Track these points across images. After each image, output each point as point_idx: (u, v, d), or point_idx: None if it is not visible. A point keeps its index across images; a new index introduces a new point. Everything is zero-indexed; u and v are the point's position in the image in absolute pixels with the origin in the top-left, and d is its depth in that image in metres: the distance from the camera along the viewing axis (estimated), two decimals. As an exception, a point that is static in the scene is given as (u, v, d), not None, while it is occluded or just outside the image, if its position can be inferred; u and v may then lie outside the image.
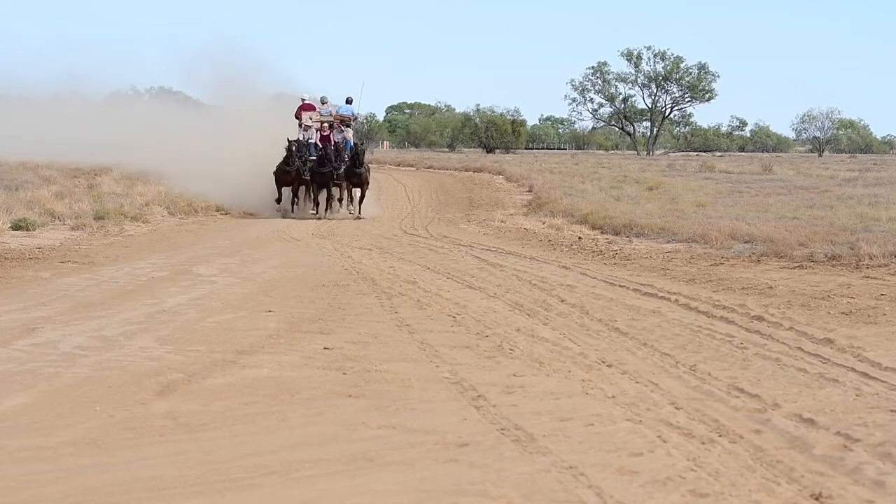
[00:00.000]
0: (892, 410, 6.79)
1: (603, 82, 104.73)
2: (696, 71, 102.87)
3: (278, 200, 26.95)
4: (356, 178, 26.87)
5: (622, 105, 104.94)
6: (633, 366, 8.33)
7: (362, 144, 27.72)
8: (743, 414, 6.74)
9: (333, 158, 26.28)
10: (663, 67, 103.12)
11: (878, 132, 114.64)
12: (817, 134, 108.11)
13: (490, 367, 8.30)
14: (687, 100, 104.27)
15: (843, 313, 10.76)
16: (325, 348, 9.05)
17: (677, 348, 9.06)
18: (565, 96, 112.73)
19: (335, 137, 27.53)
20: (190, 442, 6.16)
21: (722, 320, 10.55)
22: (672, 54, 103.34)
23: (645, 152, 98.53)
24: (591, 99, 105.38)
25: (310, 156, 26.57)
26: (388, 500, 5.17)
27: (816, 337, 9.45)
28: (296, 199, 27.15)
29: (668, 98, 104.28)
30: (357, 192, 27.17)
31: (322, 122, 27.72)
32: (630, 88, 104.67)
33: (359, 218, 26.28)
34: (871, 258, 14.54)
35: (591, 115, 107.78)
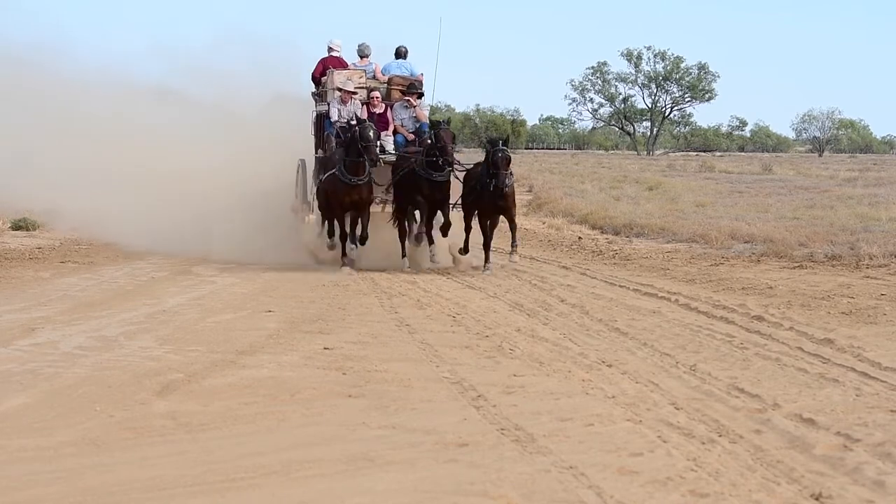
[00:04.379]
0: (892, 410, 6.79)
1: (603, 82, 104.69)
2: (696, 71, 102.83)
3: (332, 237, 15.59)
4: (500, 199, 15.12)
5: (622, 105, 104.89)
6: (633, 366, 8.32)
7: (507, 137, 15.92)
8: (743, 414, 6.74)
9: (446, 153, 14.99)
10: (663, 67, 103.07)
11: (878, 132, 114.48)
12: (817, 134, 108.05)
13: (490, 367, 8.30)
14: (687, 100, 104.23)
15: (843, 313, 10.76)
16: (325, 348, 9.04)
17: (677, 348, 9.06)
18: (565, 96, 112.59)
19: (398, 117, 16.17)
20: (190, 442, 6.16)
21: (722, 320, 10.54)
22: (672, 54, 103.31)
23: (645, 152, 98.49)
24: (591, 99, 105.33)
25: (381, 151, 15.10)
26: (388, 500, 5.17)
27: (816, 337, 9.44)
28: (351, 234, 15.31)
29: (668, 98, 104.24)
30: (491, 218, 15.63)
31: (371, 91, 16.20)
32: (630, 88, 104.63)
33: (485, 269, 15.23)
34: (871, 258, 14.55)
35: (591, 115, 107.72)
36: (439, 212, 15.43)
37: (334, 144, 15.44)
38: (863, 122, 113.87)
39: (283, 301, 11.98)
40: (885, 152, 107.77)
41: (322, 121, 16.40)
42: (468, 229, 15.53)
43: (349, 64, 16.81)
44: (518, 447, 5.97)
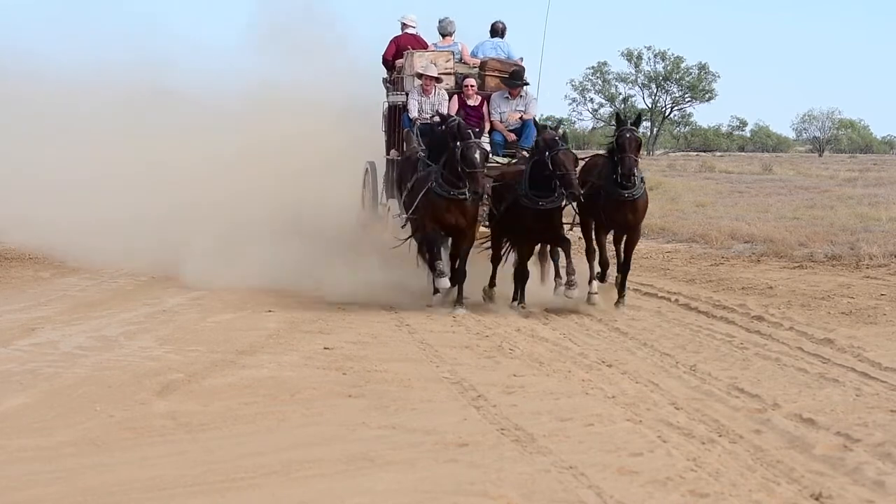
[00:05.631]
0: (892, 410, 6.79)
1: (603, 82, 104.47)
2: (697, 71, 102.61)
3: (432, 265, 11.53)
4: (630, 210, 11.72)
5: (622, 105, 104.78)
6: (633, 366, 8.32)
7: (639, 116, 12.80)
8: (743, 414, 6.74)
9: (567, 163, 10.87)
10: (663, 67, 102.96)
11: (878, 132, 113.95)
12: (817, 134, 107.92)
13: (490, 367, 8.30)
14: (687, 100, 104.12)
15: (843, 313, 10.76)
16: (325, 348, 9.04)
17: (677, 348, 9.06)
18: (565, 96, 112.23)
19: (497, 111, 12.64)
20: (190, 442, 6.15)
21: (722, 320, 10.55)
22: (672, 54, 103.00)
23: (645, 152, 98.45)
24: (591, 99, 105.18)
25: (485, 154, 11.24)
26: (388, 500, 5.16)
27: (816, 337, 9.45)
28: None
29: (669, 98, 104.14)
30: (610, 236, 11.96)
31: (464, 78, 12.76)
32: (630, 88, 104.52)
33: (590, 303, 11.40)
34: (871, 258, 14.56)
35: (591, 115, 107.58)
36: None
37: (416, 145, 12.26)
38: (863, 122, 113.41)
39: (283, 301, 11.96)
40: (885, 152, 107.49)
41: (397, 114, 13.43)
42: (595, 250, 11.44)
43: (429, 44, 13.58)
44: (518, 447, 5.97)
